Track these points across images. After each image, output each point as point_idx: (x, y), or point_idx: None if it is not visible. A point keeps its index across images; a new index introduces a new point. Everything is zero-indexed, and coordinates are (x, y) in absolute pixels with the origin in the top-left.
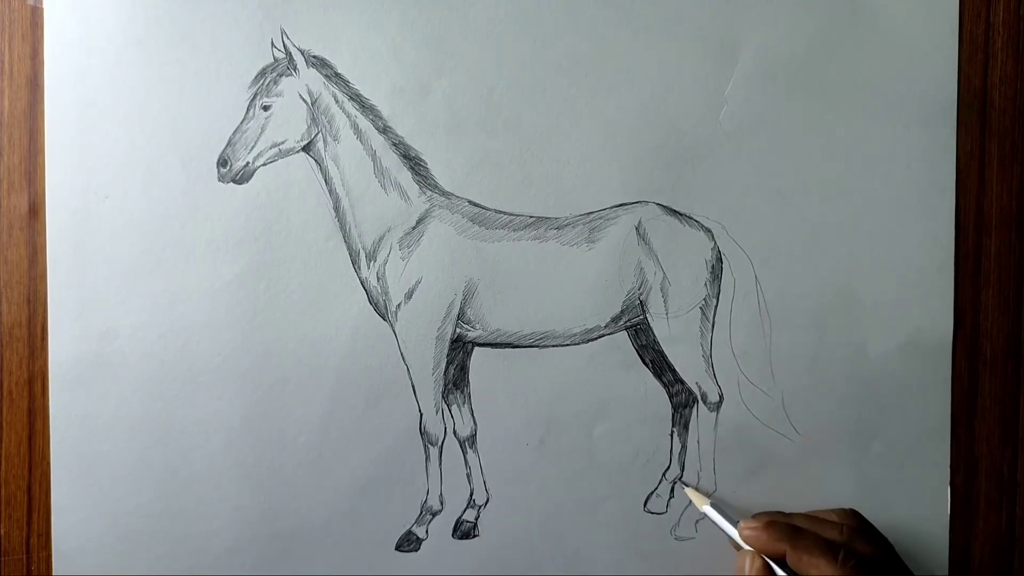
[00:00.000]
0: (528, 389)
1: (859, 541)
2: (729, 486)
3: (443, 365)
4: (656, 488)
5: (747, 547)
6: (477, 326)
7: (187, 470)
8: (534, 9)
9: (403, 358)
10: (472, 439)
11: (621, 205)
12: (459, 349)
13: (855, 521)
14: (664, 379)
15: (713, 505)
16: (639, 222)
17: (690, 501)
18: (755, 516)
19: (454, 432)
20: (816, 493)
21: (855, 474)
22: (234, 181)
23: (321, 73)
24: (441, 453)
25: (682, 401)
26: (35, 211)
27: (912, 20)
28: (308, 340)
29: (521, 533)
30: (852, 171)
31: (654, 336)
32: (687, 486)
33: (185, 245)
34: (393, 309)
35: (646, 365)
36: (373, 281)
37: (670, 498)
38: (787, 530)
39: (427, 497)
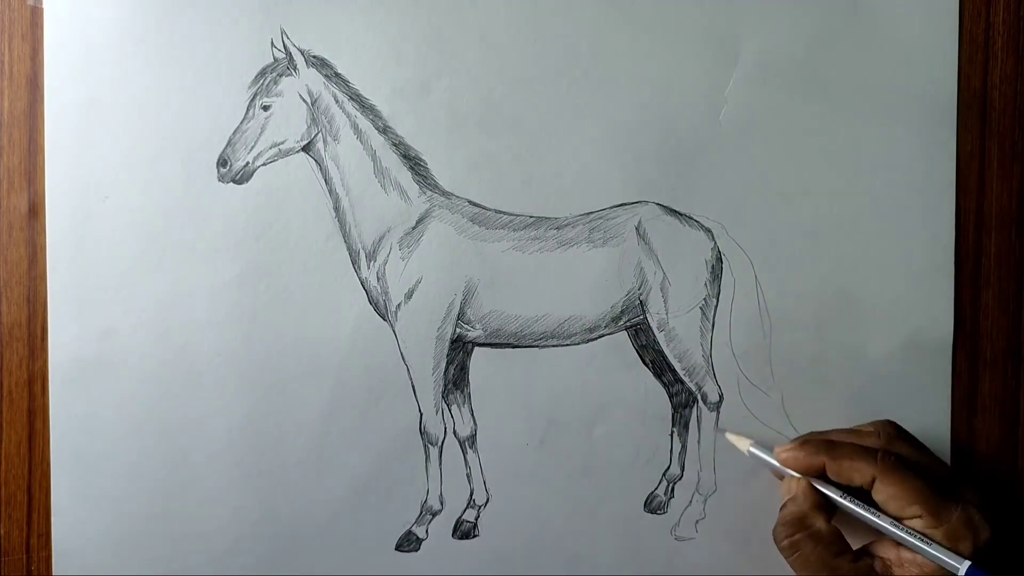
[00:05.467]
0: (528, 389)
1: (897, 444)
2: (729, 486)
3: (443, 365)
4: (656, 488)
5: (791, 473)
6: (477, 326)
7: (187, 470)
8: (534, 9)
9: (403, 358)
10: (472, 439)
11: (621, 205)
12: (459, 349)
13: (893, 428)
14: (664, 379)
15: (754, 446)
16: (639, 222)
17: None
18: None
19: (454, 432)
20: None
21: None
22: (234, 181)
23: (321, 73)
24: (441, 453)
25: (682, 401)
26: (35, 211)
27: (912, 20)
28: (308, 340)
29: (521, 533)
30: (852, 171)
31: (654, 336)
32: (726, 432)
33: (185, 245)
34: (393, 309)
35: (646, 365)
36: (373, 281)
37: (670, 498)
38: (822, 443)
39: (427, 497)
